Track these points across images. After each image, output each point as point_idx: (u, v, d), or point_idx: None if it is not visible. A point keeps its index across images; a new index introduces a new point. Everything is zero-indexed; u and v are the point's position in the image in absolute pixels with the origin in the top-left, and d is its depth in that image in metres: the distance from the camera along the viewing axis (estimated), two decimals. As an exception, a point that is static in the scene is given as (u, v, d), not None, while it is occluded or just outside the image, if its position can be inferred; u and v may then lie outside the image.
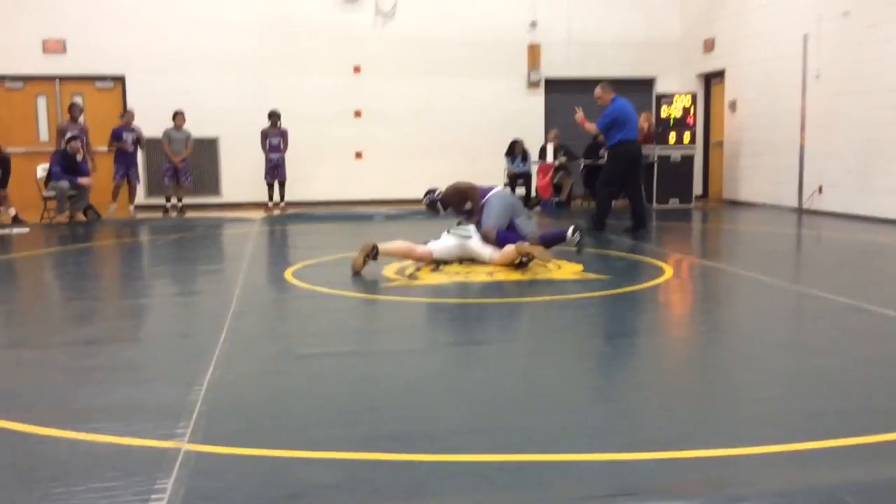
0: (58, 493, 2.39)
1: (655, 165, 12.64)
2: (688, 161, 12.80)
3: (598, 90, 9.33)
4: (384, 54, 14.05)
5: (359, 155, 14.31)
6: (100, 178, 12.33)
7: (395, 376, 3.66)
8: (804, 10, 11.41)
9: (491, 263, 6.56)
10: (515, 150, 13.37)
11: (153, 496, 2.35)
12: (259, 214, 12.48)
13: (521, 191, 13.16)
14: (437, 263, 6.66)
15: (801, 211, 11.33)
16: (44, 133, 13.49)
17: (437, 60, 14.19)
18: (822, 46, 11.01)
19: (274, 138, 13.07)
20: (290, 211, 13.03)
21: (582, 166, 13.07)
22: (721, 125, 14.01)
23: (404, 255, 6.67)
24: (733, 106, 13.48)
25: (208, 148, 13.59)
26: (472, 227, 6.79)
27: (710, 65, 14.12)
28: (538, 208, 12.69)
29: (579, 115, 9.38)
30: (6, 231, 10.20)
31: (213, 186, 13.89)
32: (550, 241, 7.09)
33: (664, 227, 10.28)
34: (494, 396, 3.33)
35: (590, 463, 2.58)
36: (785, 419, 3.02)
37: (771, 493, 2.35)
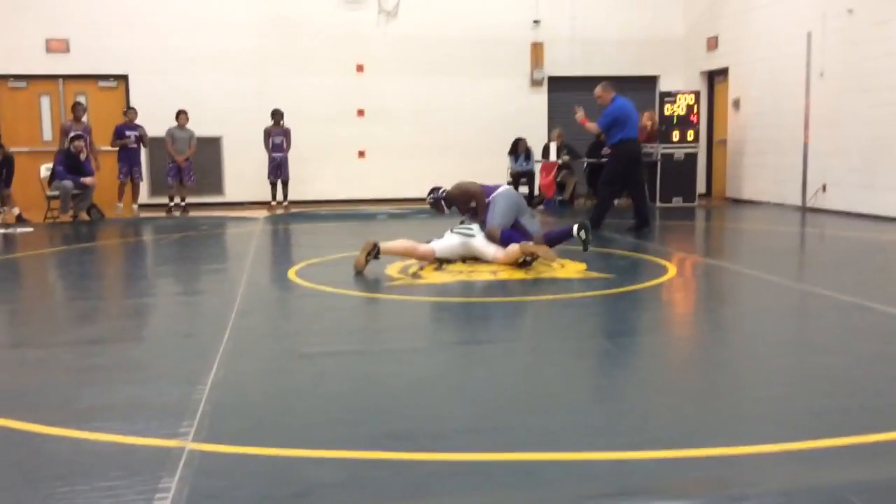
0: (62, 493, 2.39)
1: (659, 164, 12.63)
2: (691, 159, 12.78)
3: (597, 90, 9.32)
4: (387, 53, 14.06)
5: (361, 154, 14.32)
6: (103, 178, 12.36)
7: (398, 375, 3.66)
8: (808, 7, 11.39)
9: (494, 262, 6.55)
10: (518, 149, 13.37)
11: (157, 495, 2.35)
12: (262, 213, 12.49)
13: (524, 189, 13.14)
14: (441, 262, 6.66)
15: (804, 209, 11.30)
16: (47, 132, 13.51)
17: (440, 59, 14.19)
18: (827, 44, 10.98)
19: (277, 137, 13.08)
20: (293, 210, 13.03)
21: (585, 165, 13.06)
22: (724, 123, 13.99)
23: (406, 254, 6.66)
24: (737, 104, 13.46)
25: (211, 147, 13.60)
26: (475, 226, 6.78)
27: (714, 63, 14.09)
28: (541, 207, 12.68)
29: (579, 114, 9.37)
30: (10, 230, 10.23)
31: (216, 186, 13.90)
32: (554, 239, 7.10)
33: (667, 226, 10.26)
34: (498, 395, 3.33)
35: (593, 462, 2.58)
36: (788, 418, 3.01)
37: (774, 493, 2.35)
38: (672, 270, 6.43)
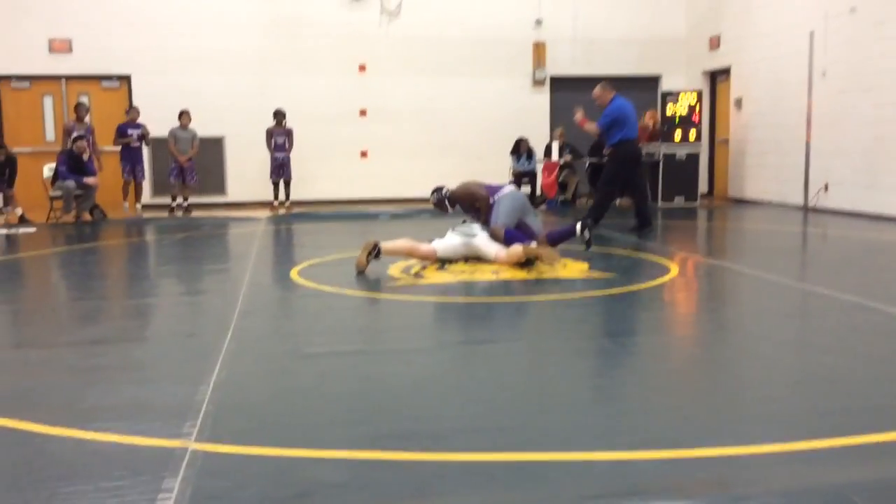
0: (65, 493, 2.40)
1: (661, 163, 12.62)
2: (693, 159, 12.77)
3: (596, 90, 9.30)
4: (389, 53, 14.07)
5: (364, 154, 14.33)
6: (106, 178, 12.39)
7: (401, 375, 3.67)
8: (810, 6, 11.38)
9: (496, 262, 6.56)
10: (521, 149, 13.37)
11: (160, 495, 2.36)
12: (264, 213, 12.50)
13: (526, 189, 13.15)
14: (443, 262, 6.66)
15: (806, 209, 11.30)
16: (50, 133, 13.53)
17: (442, 59, 14.20)
18: (829, 43, 10.97)
19: (279, 137, 13.09)
20: (296, 210, 13.04)
21: (587, 164, 13.05)
22: (727, 123, 13.98)
23: (408, 254, 6.67)
24: (739, 103, 13.45)
25: (214, 147, 13.61)
26: (476, 226, 6.79)
27: (716, 62, 14.09)
28: (543, 207, 12.68)
29: (578, 115, 9.36)
30: (13, 231, 10.25)
31: (218, 186, 13.92)
32: (557, 238, 7.11)
33: (669, 226, 10.26)
34: (500, 395, 3.33)
35: (596, 462, 2.58)
36: (790, 418, 3.01)
37: (777, 493, 2.35)
38: (674, 270, 6.43)
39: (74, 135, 11.59)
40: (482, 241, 6.67)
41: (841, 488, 2.35)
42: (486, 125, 14.26)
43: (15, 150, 12.09)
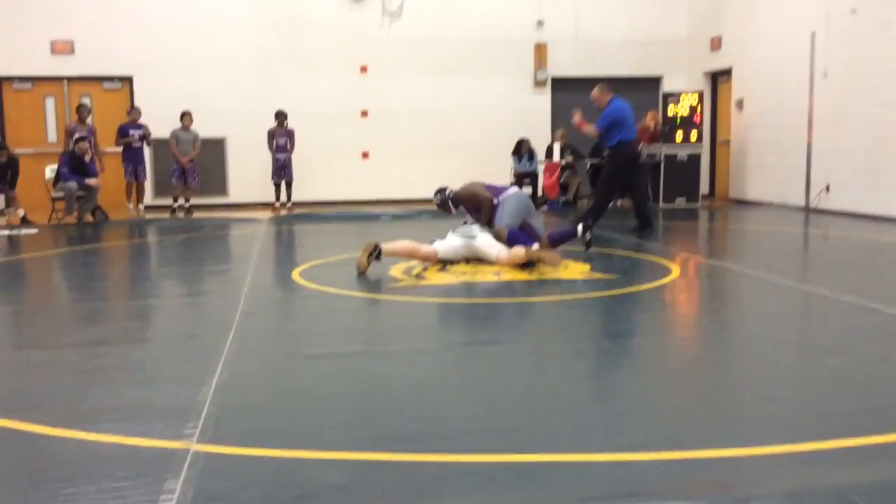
0: (67, 494, 2.40)
1: (662, 164, 12.61)
2: (694, 160, 12.76)
3: (594, 92, 9.28)
4: (391, 54, 14.06)
5: (365, 155, 14.33)
6: (108, 179, 12.39)
7: (402, 376, 3.67)
8: (812, 7, 11.37)
9: (497, 263, 6.56)
10: (522, 150, 13.36)
11: (162, 496, 2.36)
12: (266, 214, 12.51)
13: (527, 190, 13.14)
14: (444, 263, 6.66)
15: (808, 210, 11.29)
16: (52, 134, 13.54)
17: (443, 60, 14.20)
18: (830, 44, 10.97)
19: (281, 138, 13.09)
20: (297, 211, 13.05)
21: (588, 165, 13.05)
22: (728, 124, 13.97)
23: (409, 255, 6.67)
24: (740, 104, 13.45)
25: (215, 148, 13.62)
26: (476, 227, 6.79)
27: (717, 63, 14.08)
28: (545, 207, 12.68)
29: (577, 117, 9.35)
30: (15, 232, 10.26)
31: (220, 187, 13.92)
32: (558, 240, 7.13)
33: (671, 227, 10.26)
34: (502, 397, 3.34)
35: (598, 463, 2.59)
36: (792, 419, 3.01)
37: (779, 494, 2.35)
38: (675, 271, 6.43)
39: (76, 136, 11.59)
40: (483, 242, 6.67)
41: (842, 489, 2.35)
42: (488, 126, 14.25)
43: (17, 151, 12.09)
